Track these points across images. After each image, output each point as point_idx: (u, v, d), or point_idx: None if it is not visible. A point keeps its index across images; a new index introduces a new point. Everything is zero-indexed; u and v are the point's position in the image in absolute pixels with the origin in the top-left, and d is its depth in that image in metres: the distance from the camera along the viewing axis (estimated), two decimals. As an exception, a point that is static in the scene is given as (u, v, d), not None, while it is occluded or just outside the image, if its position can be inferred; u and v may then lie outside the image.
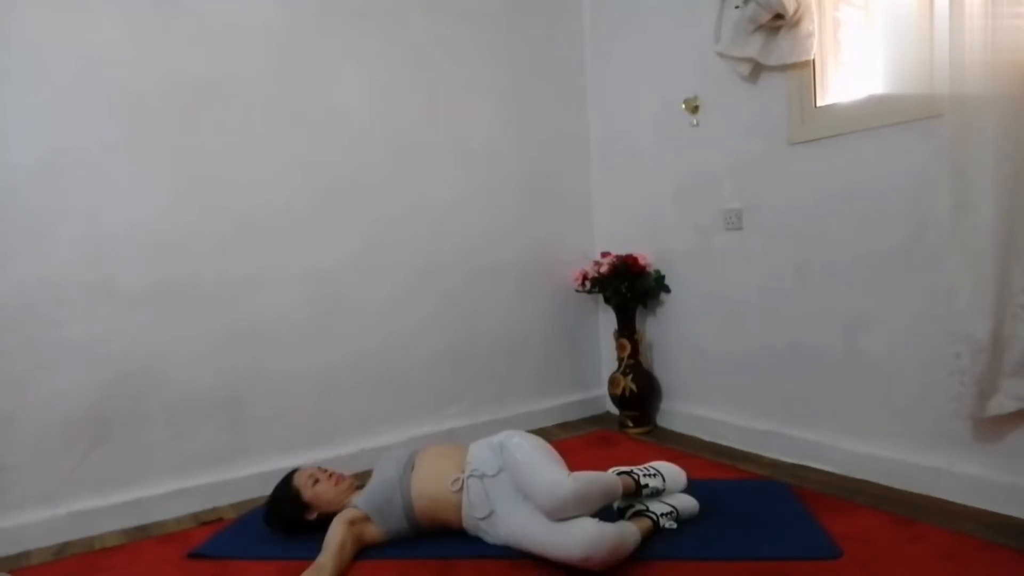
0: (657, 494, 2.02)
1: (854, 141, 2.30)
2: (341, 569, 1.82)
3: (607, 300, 3.12)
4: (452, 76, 3.03)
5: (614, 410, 3.31)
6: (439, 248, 3.01)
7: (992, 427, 2.00)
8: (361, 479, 2.16)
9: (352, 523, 1.93)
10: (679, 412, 3.09)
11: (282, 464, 2.49)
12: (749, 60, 2.55)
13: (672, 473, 2.07)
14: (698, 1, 2.76)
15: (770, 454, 2.64)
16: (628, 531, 1.82)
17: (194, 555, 2.04)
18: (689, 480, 2.09)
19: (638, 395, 3.07)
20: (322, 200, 2.73)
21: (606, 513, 1.88)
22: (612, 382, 3.16)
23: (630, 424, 3.13)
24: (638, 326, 3.15)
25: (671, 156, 3.01)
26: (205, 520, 2.36)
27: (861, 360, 2.34)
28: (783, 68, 2.48)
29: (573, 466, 1.89)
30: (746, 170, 2.69)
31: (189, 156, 2.47)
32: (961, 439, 2.08)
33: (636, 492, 1.98)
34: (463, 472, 1.97)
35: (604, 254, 3.17)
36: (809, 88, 2.45)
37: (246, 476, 2.54)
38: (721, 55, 2.65)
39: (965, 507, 2.05)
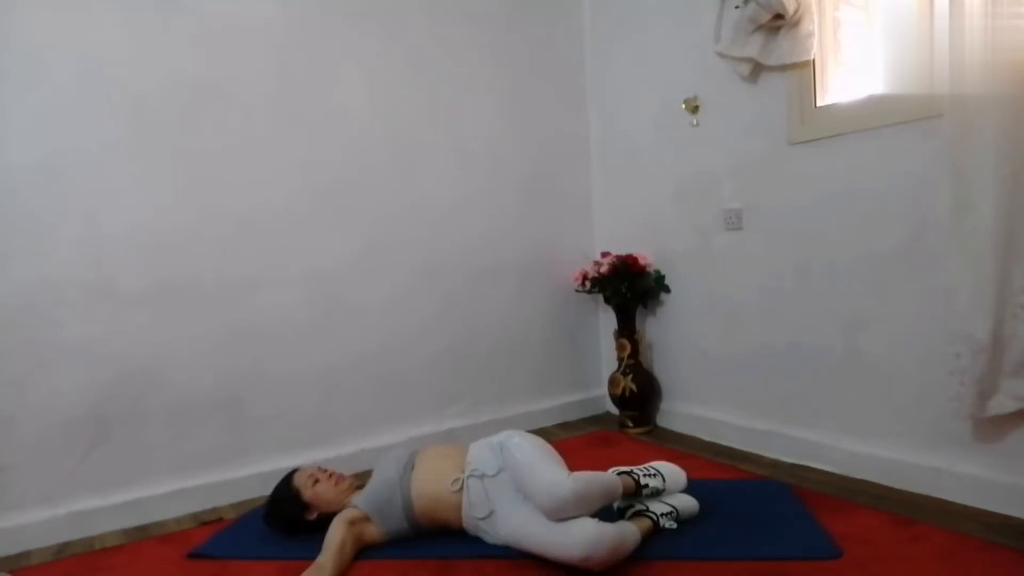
0: (657, 494, 2.02)
1: (854, 141, 2.30)
2: (341, 569, 1.82)
3: (607, 300, 3.12)
4: (452, 76, 3.03)
5: (614, 410, 3.31)
6: (439, 248, 3.01)
7: (992, 427, 2.00)
8: (361, 479, 2.16)
9: (352, 523, 1.93)
10: (679, 412, 3.09)
11: (282, 464, 2.49)
12: (749, 60, 2.55)
13: (672, 473, 2.07)
14: (698, 1, 2.76)
15: (770, 454, 2.64)
16: (628, 531, 1.82)
17: (194, 555, 2.04)
18: (689, 480, 2.09)
19: (638, 395, 3.07)
20: (322, 200, 2.73)
21: (606, 513, 1.88)
22: (612, 382, 3.16)
23: (630, 424, 3.13)
24: (638, 326, 3.15)
25: (671, 156, 3.01)
26: (205, 520, 2.36)
27: (861, 360, 2.34)
28: (783, 68, 2.48)
29: (573, 466, 1.89)
30: (746, 170, 2.69)
31: (189, 156, 2.47)
32: (961, 439, 2.08)
33: (636, 492, 1.98)
34: (463, 472, 1.97)
35: (604, 254, 3.17)
36: (809, 88, 2.45)
37: (246, 476, 2.54)
38: (721, 55, 2.65)
39: (965, 507, 2.05)
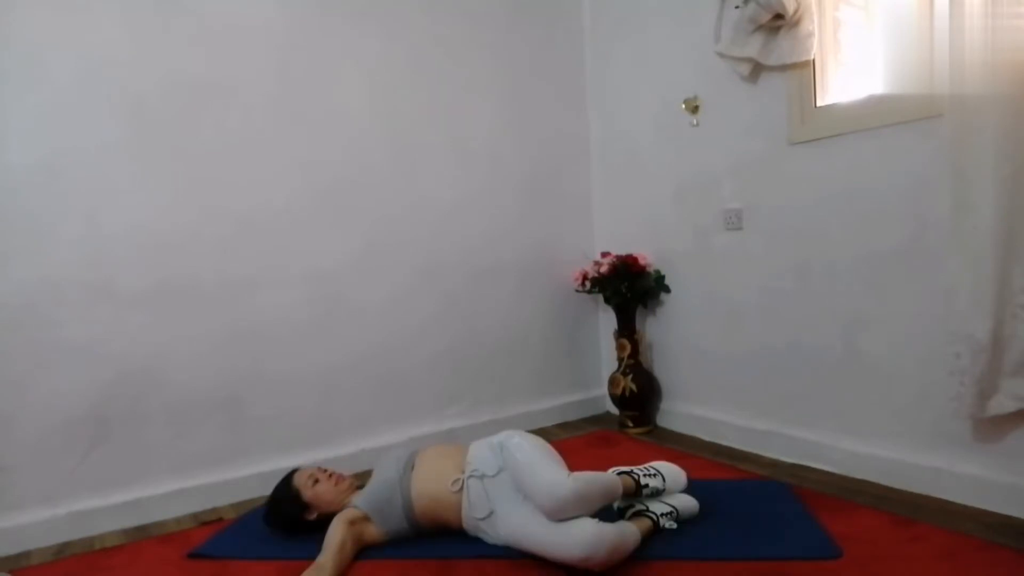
0: (657, 494, 2.02)
1: (854, 141, 2.30)
2: (341, 569, 1.82)
3: (607, 300, 3.12)
4: (452, 76, 3.03)
5: (614, 410, 3.31)
6: (439, 248, 3.01)
7: (992, 427, 2.00)
8: (361, 479, 2.16)
9: (352, 523, 1.93)
10: (679, 412, 3.09)
11: (282, 464, 2.49)
12: (749, 60, 2.55)
13: (672, 473, 2.07)
14: (698, 1, 2.76)
15: (770, 454, 2.64)
16: (628, 531, 1.82)
17: (194, 555, 2.04)
18: (689, 480, 2.09)
19: (638, 395, 3.07)
20: (322, 200, 2.73)
21: (606, 513, 1.88)
22: (612, 382, 3.16)
23: (630, 424, 3.13)
24: (638, 326, 3.15)
25: (671, 156, 3.01)
26: (205, 520, 2.36)
27: (861, 360, 2.34)
28: (783, 68, 2.48)
29: (573, 466, 1.89)
30: (746, 170, 2.69)
31: (189, 156, 2.47)
32: (961, 439, 2.08)
33: (636, 492, 1.98)
34: (463, 472, 1.97)
35: (604, 254, 3.17)
36: (809, 88, 2.45)
37: (246, 476, 2.54)
38: (721, 55, 2.65)
39: (965, 507, 2.05)
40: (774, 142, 2.56)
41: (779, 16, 2.37)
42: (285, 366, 2.65)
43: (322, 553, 1.83)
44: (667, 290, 3.09)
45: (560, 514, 1.75)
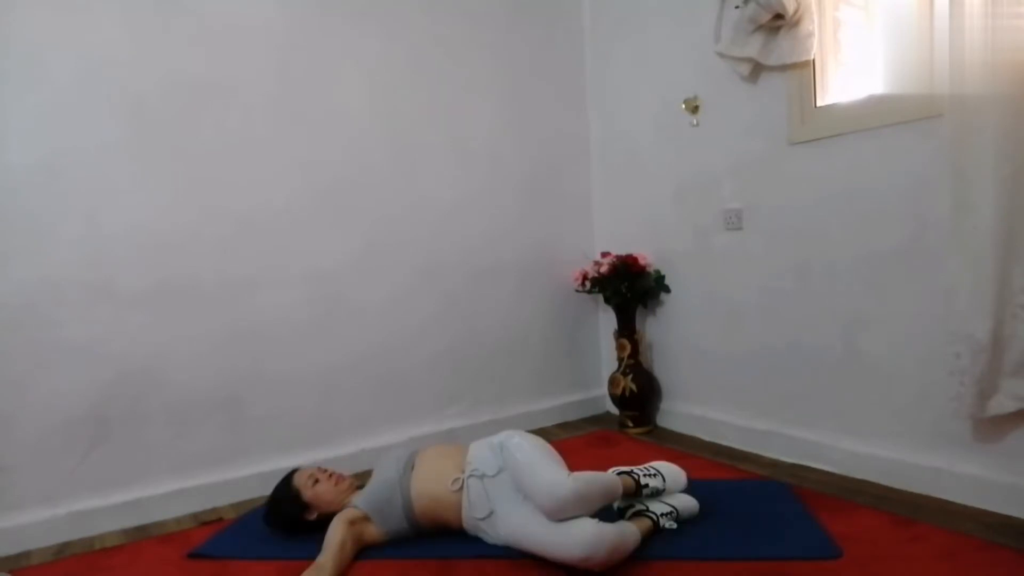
0: (657, 494, 2.02)
1: (854, 141, 2.30)
2: (341, 569, 1.82)
3: (607, 300, 3.12)
4: (452, 76, 3.03)
5: (614, 410, 3.31)
6: (439, 248, 3.01)
7: (992, 427, 2.00)
8: (361, 479, 2.16)
9: (352, 523, 1.93)
10: (679, 412, 3.09)
11: (282, 464, 2.49)
12: (749, 60, 2.55)
13: (672, 473, 2.07)
14: (698, 1, 2.76)
15: (770, 454, 2.64)
16: (628, 531, 1.82)
17: (194, 555, 2.04)
18: (689, 480, 2.09)
19: (638, 395, 3.07)
20: (322, 200, 2.73)
21: (606, 513, 1.88)
22: (612, 382, 3.16)
23: (630, 424, 3.13)
24: (638, 326, 3.15)
25: (671, 156, 3.01)
26: (205, 520, 2.36)
27: (861, 360, 2.34)
28: (783, 68, 2.48)
29: (573, 466, 1.89)
30: (746, 170, 2.69)
31: (189, 156, 2.47)
32: (961, 439, 2.08)
33: (636, 492, 1.98)
34: (463, 472, 1.97)
35: (604, 254, 3.17)
36: (809, 88, 2.45)
37: (246, 476, 2.54)
38: (721, 55, 2.65)
39: (965, 507, 2.05)
40: (774, 142, 2.56)
41: (779, 16, 2.37)
42: (285, 366, 2.65)
43: (322, 553, 1.83)
44: (667, 290, 3.09)
45: (560, 514, 1.75)
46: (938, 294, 2.06)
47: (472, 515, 1.93)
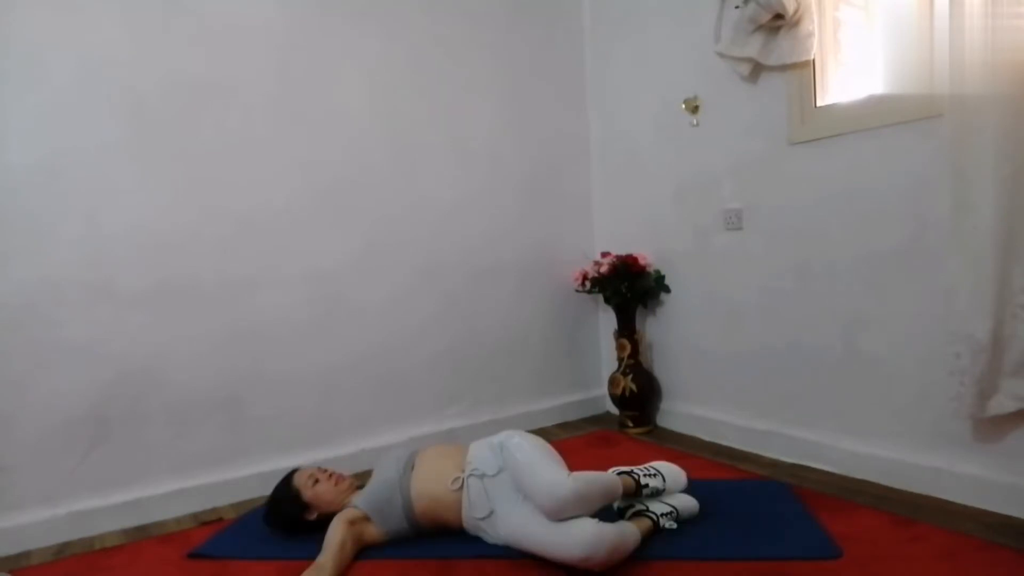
0: (657, 494, 2.02)
1: (854, 141, 2.30)
2: (341, 569, 1.82)
3: (607, 300, 3.12)
4: (452, 76, 3.03)
5: (614, 410, 3.31)
6: (439, 248, 3.01)
7: (992, 427, 2.00)
8: (361, 479, 2.16)
9: (352, 523, 1.93)
10: (679, 412, 3.09)
11: (282, 464, 2.49)
12: (749, 60, 2.55)
13: (672, 473, 2.07)
14: (698, 1, 2.76)
15: (770, 454, 2.64)
16: (628, 531, 1.82)
17: (194, 555, 2.04)
18: (689, 480, 2.09)
19: (638, 395, 3.07)
20: (322, 200, 2.73)
21: (606, 513, 1.88)
22: (612, 382, 3.16)
23: (630, 424, 3.13)
24: (638, 326, 3.15)
25: (671, 156, 3.01)
26: (205, 520, 2.36)
27: (861, 360, 2.34)
28: (783, 68, 2.48)
29: (573, 466, 1.89)
30: (746, 170, 2.69)
31: (189, 156, 2.47)
32: (961, 439, 2.08)
33: (636, 492, 1.98)
34: (463, 472, 1.97)
35: (604, 254, 3.17)
36: (809, 88, 2.45)
37: (246, 476, 2.54)
38: (721, 55, 2.65)
39: (965, 507, 2.05)
40: (774, 142, 2.56)
41: (779, 16, 2.37)
42: (285, 366, 2.65)
43: (322, 553, 1.83)
44: (667, 290, 3.09)
45: (560, 514, 1.75)
46: (938, 294, 2.06)
47: (472, 515, 1.93)
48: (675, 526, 1.97)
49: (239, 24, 2.55)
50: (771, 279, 2.62)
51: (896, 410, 2.25)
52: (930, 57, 2.04)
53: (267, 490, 2.16)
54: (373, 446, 2.78)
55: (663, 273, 3.09)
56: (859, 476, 2.35)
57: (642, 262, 3.06)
